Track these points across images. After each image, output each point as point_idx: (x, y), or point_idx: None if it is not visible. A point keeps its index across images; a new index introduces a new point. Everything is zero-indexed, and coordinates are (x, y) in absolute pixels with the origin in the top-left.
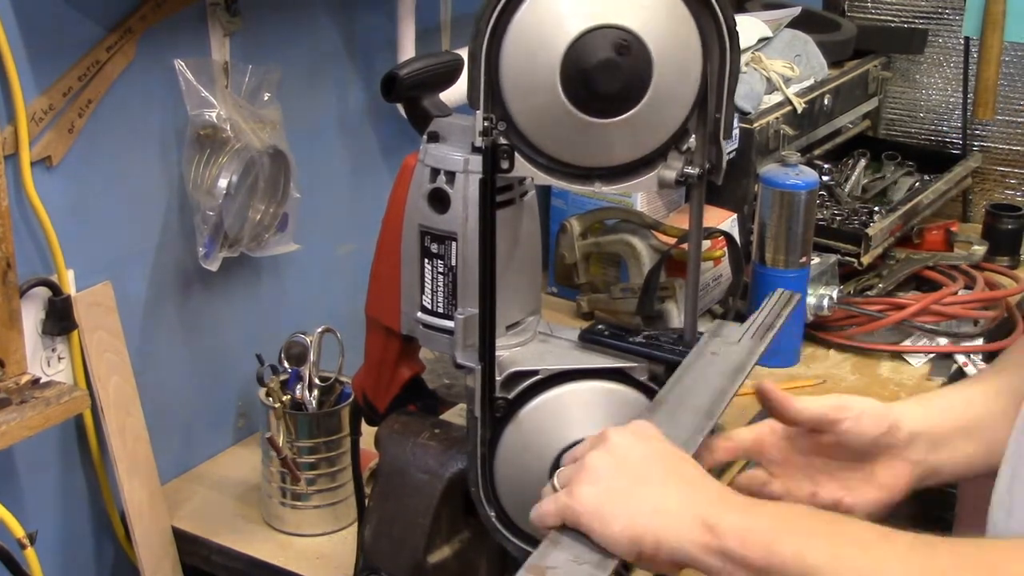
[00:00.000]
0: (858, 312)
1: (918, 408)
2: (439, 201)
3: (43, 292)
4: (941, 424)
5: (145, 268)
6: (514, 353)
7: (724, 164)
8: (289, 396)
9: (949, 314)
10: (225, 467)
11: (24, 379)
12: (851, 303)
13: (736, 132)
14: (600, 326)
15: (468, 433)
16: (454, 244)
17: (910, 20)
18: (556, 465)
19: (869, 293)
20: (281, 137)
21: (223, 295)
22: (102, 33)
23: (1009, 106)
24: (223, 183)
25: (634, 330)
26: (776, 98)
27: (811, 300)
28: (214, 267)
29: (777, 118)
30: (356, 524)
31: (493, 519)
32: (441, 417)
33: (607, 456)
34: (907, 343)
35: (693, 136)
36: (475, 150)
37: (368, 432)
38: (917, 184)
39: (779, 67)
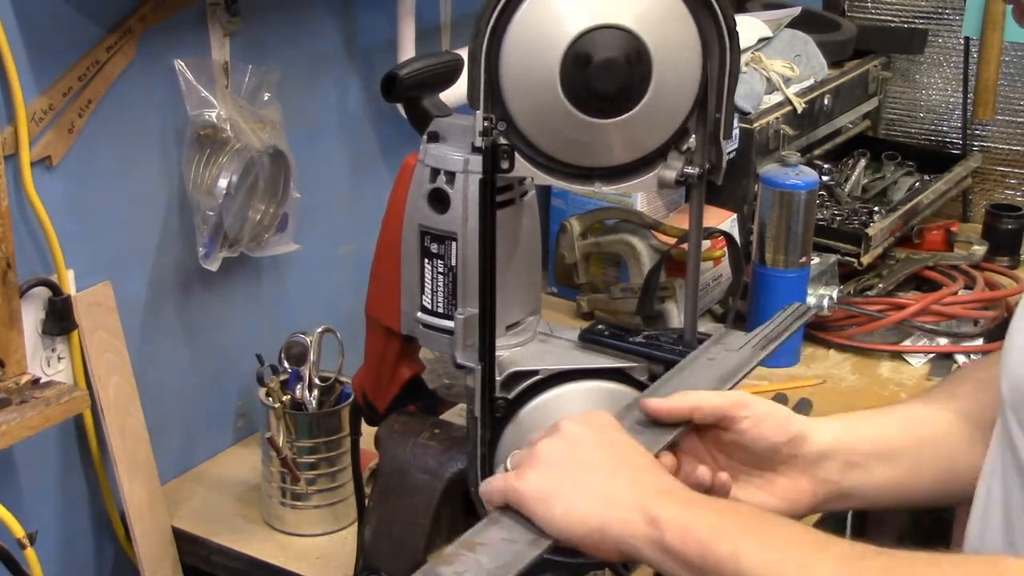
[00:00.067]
0: (858, 312)
1: (836, 426)
2: (439, 201)
3: (43, 292)
4: (858, 446)
5: (145, 268)
6: (514, 353)
7: (724, 164)
8: (289, 396)
9: (949, 314)
10: (225, 467)
11: (24, 379)
12: (851, 303)
13: (736, 132)
14: (600, 326)
15: (468, 433)
16: (454, 244)
17: (910, 20)
18: None
19: (869, 293)
20: (281, 137)
21: (223, 295)
22: (102, 33)
23: (1009, 106)
24: (223, 183)
25: (634, 330)
26: (776, 98)
27: (811, 300)
28: (214, 267)
29: (777, 118)
30: (356, 524)
31: None
32: (441, 417)
33: (559, 443)
34: (907, 343)
35: (693, 136)
36: (475, 150)
37: (368, 432)
38: (917, 184)
39: (779, 67)
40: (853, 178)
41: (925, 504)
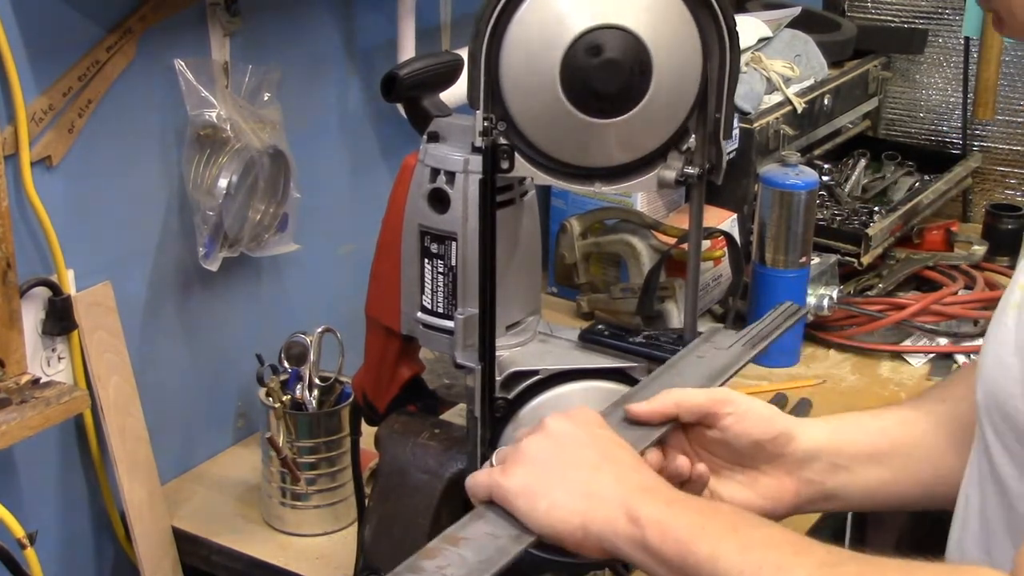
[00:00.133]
0: (858, 312)
1: (823, 428)
2: (439, 201)
3: (43, 292)
4: (844, 448)
5: (145, 268)
6: (514, 353)
7: (724, 164)
8: (289, 396)
9: (949, 314)
10: (225, 467)
11: (24, 379)
12: (851, 303)
13: (736, 132)
14: (600, 326)
15: (468, 433)
16: (454, 244)
17: (910, 20)
18: None
19: (869, 293)
20: (281, 137)
21: (223, 295)
22: (102, 33)
23: (1009, 106)
24: (223, 183)
25: (634, 330)
26: (776, 98)
27: (811, 300)
28: (214, 267)
29: (777, 118)
30: (356, 524)
31: None
32: (441, 417)
33: (543, 439)
34: (907, 343)
35: (693, 136)
36: (475, 150)
37: (368, 432)
38: (917, 184)
39: (779, 67)
40: (853, 178)
41: (912, 507)
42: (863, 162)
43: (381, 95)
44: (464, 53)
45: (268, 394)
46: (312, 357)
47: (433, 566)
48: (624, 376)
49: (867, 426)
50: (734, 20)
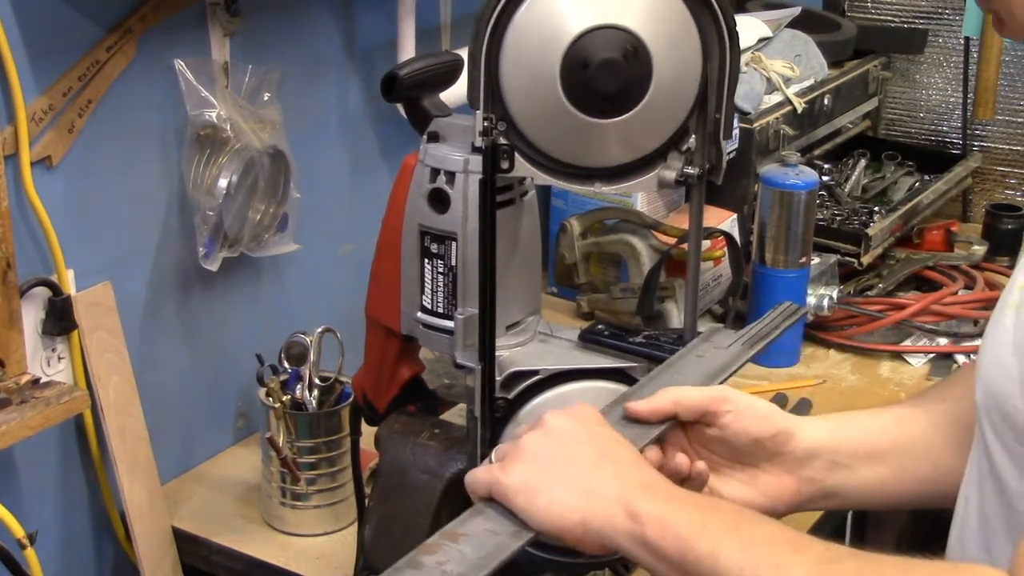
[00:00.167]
0: (858, 312)
1: (823, 426)
2: (439, 201)
3: (43, 292)
4: (843, 446)
5: (145, 268)
6: (514, 353)
7: (724, 164)
8: (289, 396)
9: (949, 314)
10: (225, 467)
11: (24, 379)
12: (851, 303)
13: (736, 132)
14: (600, 326)
15: (468, 433)
16: (454, 244)
17: (910, 20)
18: None
19: (869, 293)
20: (281, 137)
21: (223, 295)
22: (102, 33)
23: (1009, 106)
24: (223, 183)
25: (634, 330)
26: (776, 98)
27: (811, 300)
28: (214, 267)
29: (777, 118)
30: (356, 524)
31: None
32: (441, 417)
33: (543, 436)
34: (907, 343)
35: (693, 136)
36: (475, 150)
37: (368, 432)
38: (917, 184)
39: (779, 67)
40: (853, 178)
41: (912, 506)
42: (863, 162)
43: (381, 95)
44: (464, 53)
45: (268, 394)
46: (312, 357)
47: (432, 561)
48: (624, 376)
49: (866, 425)
50: (734, 20)
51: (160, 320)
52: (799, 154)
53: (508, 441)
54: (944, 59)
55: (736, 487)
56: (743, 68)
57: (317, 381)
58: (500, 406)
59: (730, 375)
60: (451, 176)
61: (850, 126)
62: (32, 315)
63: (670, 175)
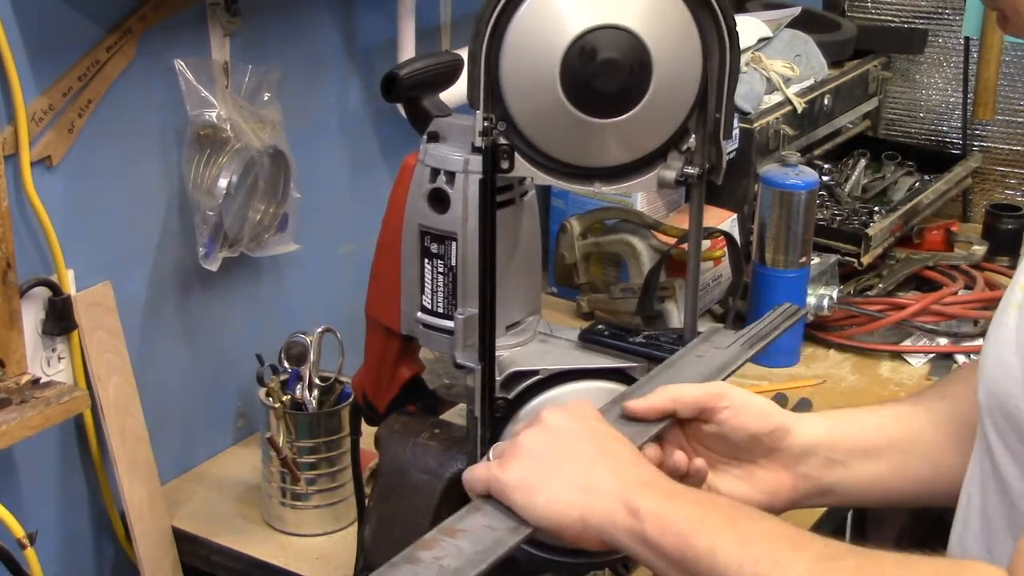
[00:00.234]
0: (858, 312)
1: (821, 423)
2: (439, 201)
3: (43, 292)
4: (840, 443)
5: (145, 268)
6: (514, 353)
7: (724, 164)
8: (289, 396)
9: (949, 314)
10: (225, 467)
11: (24, 379)
12: (851, 303)
13: (736, 132)
14: (600, 326)
15: (468, 433)
16: (454, 244)
17: (910, 20)
18: None
19: (869, 293)
20: (281, 137)
21: (223, 295)
22: (102, 33)
23: (1009, 106)
24: (223, 183)
25: (634, 330)
26: (776, 98)
27: (811, 300)
28: (214, 267)
29: (777, 118)
30: (356, 524)
31: None
32: (441, 417)
33: (541, 433)
34: (907, 343)
35: (693, 136)
36: (475, 150)
37: (368, 432)
38: (917, 184)
39: (779, 67)
40: (853, 178)
41: (911, 504)
42: (863, 162)
43: (381, 95)
44: (464, 53)
45: (268, 394)
46: (312, 357)
47: (430, 557)
48: (624, 376)
49: (864, 422)
50: (734, 20)
51: (160, 320)
52: (799, 154)
53: (507, 440)
54: (944, 59)
55: (733, 483)
56: (743, 68)
57: (317, 381)
58: (500, 406)
59: (729, 375)
60: (451, 176)
61: (850, 126)
62: (32, 315)
63: (670, 175)
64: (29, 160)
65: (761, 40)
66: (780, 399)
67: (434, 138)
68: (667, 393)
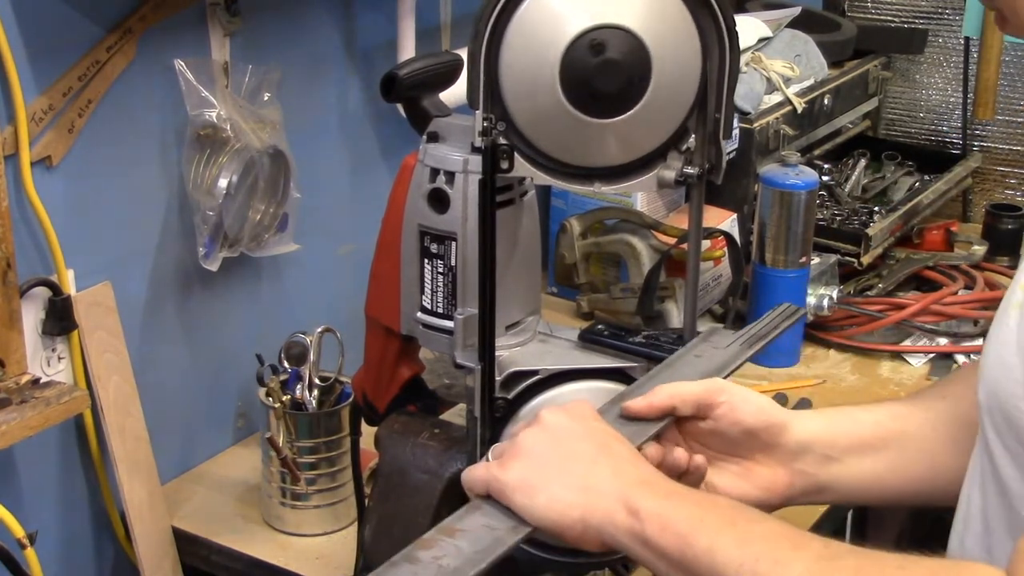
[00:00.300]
0: (858, 312)
1: (817, 420)
2: (439, 201)
3: (43, 292)
4: (836, 440)
5: (145, 268)
6: (514, 353)
7: (724, 164)
8: (289, 396)
9: (949, 314)
10: (225, 467)
11: (24, 379)
12: (851, 303)
13: (736, 132)
14: (600, 326)
15: (468, 433)
16: (454, 244)
17: (910, 20)
18: None
19: (869, 293)
20: (281, 137)
21: (223, 295)
22: (102, 33)
23: (1009, 106)
24: (223, 183)
25: (634, 330)
26: (776, 98)
27: (811, 300)
28: (214, 267)
29: (777, 118)
30: (356, 524)
31: None
32: (441, 417)
33: (540, 433)
34: (907, 343)
35: (693, 136)
36: (474, 150)
37: (368, 432)
38: (917, 184)
39: (779, 67)
40: (853, 178)
41: (908, 502)
42: (863, 162)
43: (381, 95)
44: (464, 53)
45: (268, 394)
46: (312, 357)
47: (429, 556)
48: (624, 376)
49: (860, 419)
50: (733, 20)
51: (160, 320)
52: (799, 154)
53: (506, 440)
54: (944, 59)
55: (730, 480)
56: (743, 68)
57: (317, 381)
58: (500, 406)
59: (729, 375)
60: (451, 176)
61: (850, 126)
62: (32, 315)
63: (670, 175)
64: (29, 160)
65: (761, 40)
66: (780, 399)
67: (434, 138)
68: (666, 391)
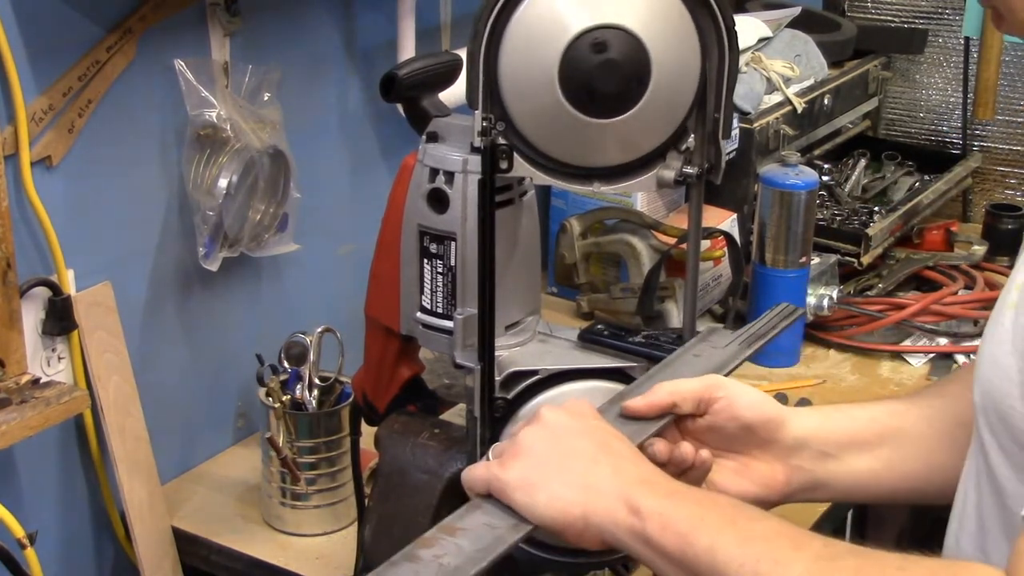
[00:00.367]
0: (858, 312)
1: (814, 417)
2: (438, 201)
3: (43, 292)
4: (832, 437)
5: (145, 268)
6: (513, 353)
7: (723, 164)
8: (289, 396)
9: (949, 314)
10: (225, 467)
11: (24, 379)
12: (851, 303)
13: (736, 132)
14: (600, 326)
15: (468, 433)
16: (453, 244)
17: (910, 20)
18: None
19: (869, 293)
20: (281, 137)
21: (223, 295)
22: (102, 33)
23: (1009, 106)
24: (223, 183)
25: (634, 330)
26: (776, 98)
27: (811, 300)
28: (214, 267)
29: (777, 118)
30: (356, 524)
31: None
32: (441, 417)
33: (540, 431)
34: (907, 343)
35: (692, 136)
36: (474, 150)
37: (368, 432)
38: (917, 184)
39: (779, 67)
40: (853, 178)
41: (905, 500)
42: (863, 162)
43: (380, 95)
44: (464, 53)
45: (268, 394)
46: (312, 357)
47: (430, 555)
48: (624, 376)
49: (857, 416)
50: (733, 20)
51: (160, 320)
52: (799, 154)
53: (506, 440)
54: (944, 59)
55: (728, 476)
56: (743, 68)
57: (317, 381)
58: (500, 406)
59: (727, 374)
60: (450, 176)
61: (850, 126)
62: (32, 315)
63: (669, 175)
64: (29, 160)
65: (761, 40)
66: (780, 399)
67: (433, 138)
68: (665, 389)
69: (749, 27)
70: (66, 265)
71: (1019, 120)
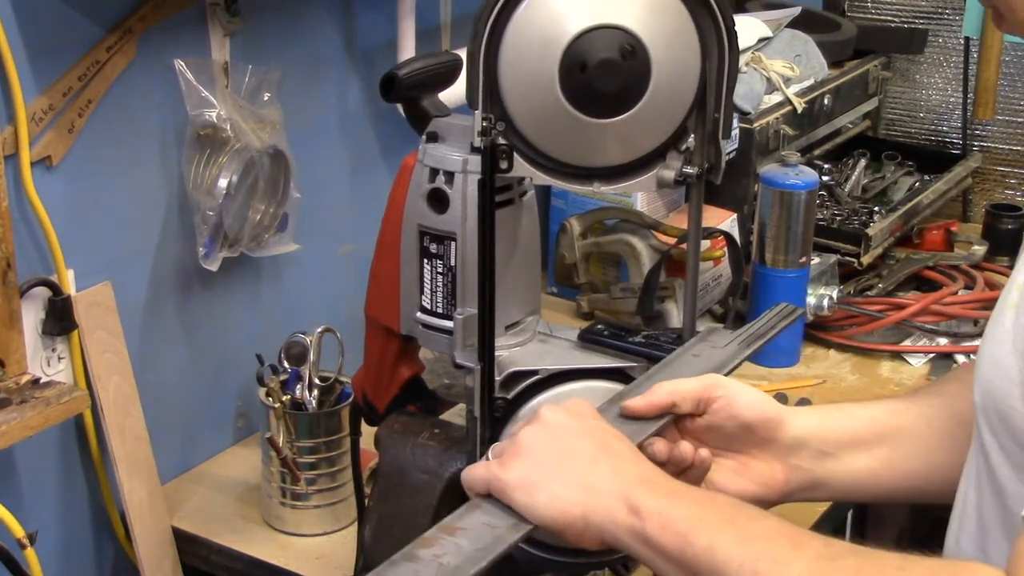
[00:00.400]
0: (858, 312)
1: (813, 416)
2: (438, 201)
3: (43, 292)
4: (831, 436)
5: (145, 268)
6: (513, 353)
7: (723, 164)
8: (289, 396)
9: (949, 314)
10: (225, 467)
11: (24, 379)
12: (851, 303)
13: (736, 132)
14: (600, 326)
15: (468, 433)
16: (453, 244)
17: (910, 20)
18: None
19: (869, 293)
20: (281, 137)
21: (223, 295)
22: (102, 33)
23: (1009, 106)
24: (223, 183)
25: (634, 330)
26: (776, 98)
27: (811, 300)
28: (214, 267)
29: (777, 118)
30: (356, 524)
31: None
32: (441, 417)
33: (539, 430)
34: (907, 343)
35: (692, 136)
36: (474, 150)
37: (368, 432)
38: (917, 184)
39: (779, 67)
40: (853, 178)
41: (904, 499)
42: (863, 162)
43: (380, 95)
44: (464, 53)
45: (268, 394)
46: (312, 357)
47: (430, 554)
48: (623, 376)
49: (856, 415)
50: (732, 20)
51: (160, 320)
52: (799, 154)
53: (506, 439)
54: (944, 59)
55: (727, 475)
56: (743, 68)
57: (317, 381)
58: (500, 406)
59: (726, 374)
60: (450, 176)
61: (850, 126)
62: (32, 315)
63: (669, 175)
64: (29, 160)
65: (761, 40)
66: (780, 399)
67: (433, 138)
68: (664, 388)
69: (749, 27)
70: (66, 265)
71: (1019, 120)
